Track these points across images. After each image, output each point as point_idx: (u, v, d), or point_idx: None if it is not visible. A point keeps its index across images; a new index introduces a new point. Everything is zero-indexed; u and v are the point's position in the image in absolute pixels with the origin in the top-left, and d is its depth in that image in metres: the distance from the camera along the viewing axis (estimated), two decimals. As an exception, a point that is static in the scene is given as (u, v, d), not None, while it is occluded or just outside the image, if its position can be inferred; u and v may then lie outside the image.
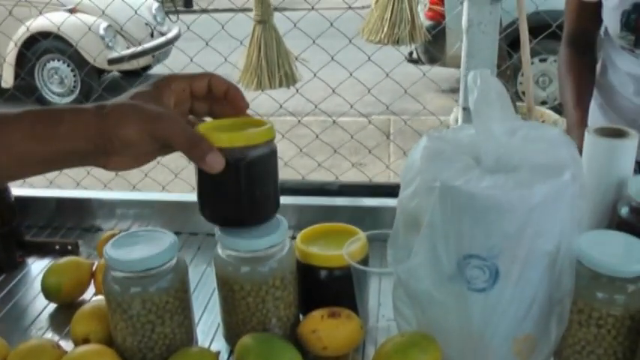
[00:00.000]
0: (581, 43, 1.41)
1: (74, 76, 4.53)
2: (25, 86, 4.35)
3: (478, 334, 0.74)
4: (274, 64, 2.07)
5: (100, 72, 4.47)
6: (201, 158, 0.69)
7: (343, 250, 0.83)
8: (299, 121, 2.59)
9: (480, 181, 0.70)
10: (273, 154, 0.78)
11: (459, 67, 2.25)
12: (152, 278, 0.79)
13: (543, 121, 3.58)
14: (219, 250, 0.83)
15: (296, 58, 2.15)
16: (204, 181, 0.77)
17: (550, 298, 0.75)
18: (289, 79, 2.12)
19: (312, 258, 0.87)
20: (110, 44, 4.41)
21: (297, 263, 0.87)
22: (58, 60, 4.50)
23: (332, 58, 2.14)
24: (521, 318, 0.74)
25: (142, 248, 0.80)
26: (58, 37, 4.06)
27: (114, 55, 4.35)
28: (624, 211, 0.83)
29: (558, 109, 3.56)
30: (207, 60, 2.64)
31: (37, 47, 4.23)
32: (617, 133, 0.88)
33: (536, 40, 2.19)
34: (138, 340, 0.81)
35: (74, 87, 4.51)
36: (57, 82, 4.53)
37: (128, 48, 4.52)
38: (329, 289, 0.87)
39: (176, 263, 0.81)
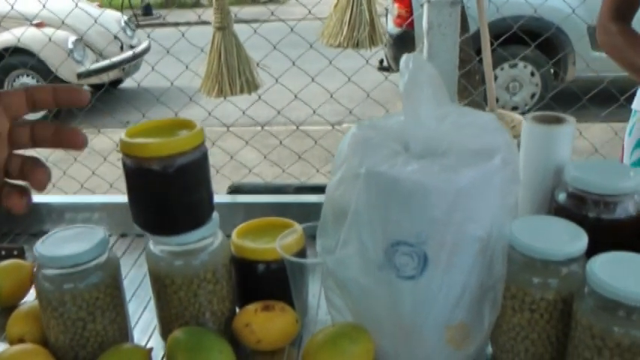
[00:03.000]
0: (627, 16, 1.36)
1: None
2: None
3: (409, 323, 0.73)
4: (235, 71, 2.07)
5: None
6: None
7: (276, 242, 0.82)
8: (262, 127, 2.59)
9: (406, 166, 0.69)
10: (203, 159, 0.76)
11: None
12: (82, 274, 0.78)
13: (514, 127, 3.59)
14: (151, 245, 0.82)
15: (257, 65, 2.14)
16: (135, 190, 0.76)
17: (482, 285, 0.74)
18: (250, 86, 2.11)
19: (247, 252, 0.86)
20: (79, 58, 4.37)
21: (233, 258, 0.86)
22: (27, 75, 4.47)
23: (293, 64, 2.15)
24: (452, 305, 0.73)
25: (72, 245, 0.79)
26: (26, 52, 4.03)
27: (82, 69, 4.32)
28: (561, 197, 0.83)
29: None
30: (175, 72, 2.63)
31: (5, 62, 4.19)
32: (555, 120, 0.88)
33: (497, 42, 2.21)
34: (70, 338, 0.79)
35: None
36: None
37: (97, 62, 4.50)
38: (264, 282, 0.86)
39: (107, 259, 0.80)
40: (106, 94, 4.47)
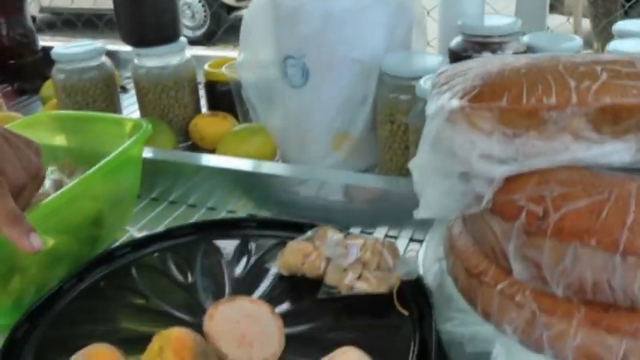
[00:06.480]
0: None
1: (204, 11, 4.98)
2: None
3: (299, 127, 0.92)
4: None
5: (231, 9, 4.88)
6: (20, 239, 0.55)
7: (226, 64, 1.05)
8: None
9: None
10: None
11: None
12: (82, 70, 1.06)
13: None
14: (135, 58, 1.07)
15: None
16: (117, 8, 1.03)
17: (358, 99, 0.91)
18: None
19: (212, 75, 1.09)
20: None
21: (206, 82, 1.11)
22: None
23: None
24: (333, 115, 0.91)
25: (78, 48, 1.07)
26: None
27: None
28: (456, 41, 0.93)
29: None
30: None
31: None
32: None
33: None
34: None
35: (204, 22, 4.98)
36: (189, 17, 5.01)
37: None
38: (224, 99, 1.09)
39: (101, 63, 1.08)
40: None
